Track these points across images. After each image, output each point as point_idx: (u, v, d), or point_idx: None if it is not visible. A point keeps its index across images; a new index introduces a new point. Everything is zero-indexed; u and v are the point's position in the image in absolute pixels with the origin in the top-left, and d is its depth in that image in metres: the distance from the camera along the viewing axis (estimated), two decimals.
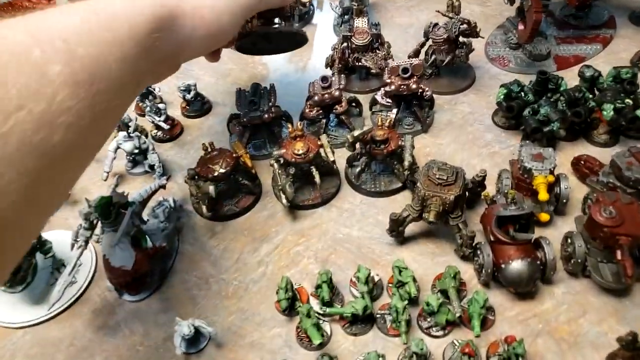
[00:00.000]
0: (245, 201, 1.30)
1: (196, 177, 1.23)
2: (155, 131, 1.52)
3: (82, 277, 1.17)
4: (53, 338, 1.08)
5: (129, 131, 1.35)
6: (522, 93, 1.39)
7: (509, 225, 1.08)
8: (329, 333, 1.03)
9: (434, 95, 1.47)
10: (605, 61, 1.60)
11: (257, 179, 1.33)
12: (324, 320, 1.05)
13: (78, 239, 1.08)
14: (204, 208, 1.23)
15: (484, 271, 1.05)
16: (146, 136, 1.45)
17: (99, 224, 1.10)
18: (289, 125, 1.28)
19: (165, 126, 1.48)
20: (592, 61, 1.61)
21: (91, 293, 1.16)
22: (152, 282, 1.13)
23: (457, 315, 1.00)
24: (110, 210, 1.04)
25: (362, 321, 1.04)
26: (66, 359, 1.05)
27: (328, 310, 1.03)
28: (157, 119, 1.48)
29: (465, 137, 1.43)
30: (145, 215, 1.21)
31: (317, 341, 0.96)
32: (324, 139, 1.28)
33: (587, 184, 1.25)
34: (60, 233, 1.25)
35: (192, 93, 1.55)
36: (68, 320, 1.11)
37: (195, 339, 1.03)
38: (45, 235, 1.20)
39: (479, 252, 1.08)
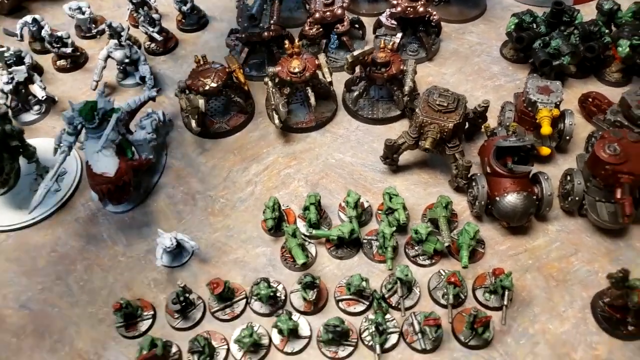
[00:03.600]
0: (236, 120, 1.17)
1: (186, 90, 1.10)
2: (149, 43, 1.36)
3: (66, 186, 1.07)
4: (35, 243, 1.00)
5: (121, 39, 1.20)
6: (534, 24, 1.22)
7: (508, 158, 0.96)
8: (314, 255, 0.95)
9: (442, 23, 1.31)
10: None
11: (250, 98, 1.20)
12: (309, 242, 0.96)
13: (61, 144, 0.97)
14: (193, 123, 1.11)
15: (477, 203, 0.95)
16: (139, 47, 1.30)
17: (84, 131, 0.98)
18: (286, 42, 1.13)
19: (159, 37, 1.32)
20: None
21: (75, 202, 1.06)
22: (137, 195, 1.03)
23: (446, 244, 0.90)
24: (94, 115, 0.92)
25: (348, 245, 0.95)
26: (47, 264, 0.97)
27: (314, 232, 0.94)
28: (151, 29, 1.31)
29: (471, 68, 1.27)
30: (133, 127, 1.09)
31: (300, 261, 0.87)
32: (322, 58, 1.13)
33: (593, 122, 1.12)
34: (45, 140, 1.14)
35: (189, 5, 1.38)
36: (51, 227, 1.02)
37: (177, 253, 0.95)
38: (30, 141, 1.08)
39: (474, 183, 0.97)
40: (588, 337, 0.83)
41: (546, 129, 0.98)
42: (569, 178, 0.97)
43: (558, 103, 1.02)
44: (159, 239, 0.92)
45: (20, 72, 1.17)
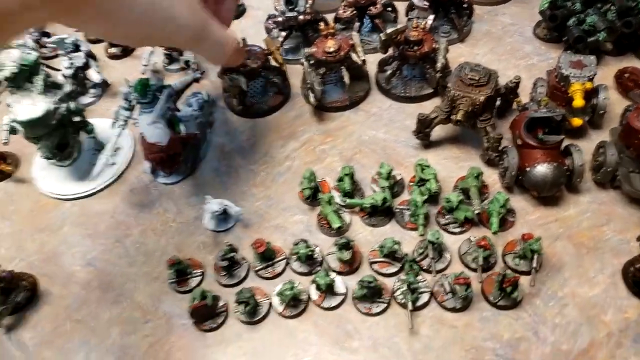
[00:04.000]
0: (274, 100, 1.24)
1: (228, 71, 1.17)
2: None
3: (120, 160, 1.17)
4: (96, 210, 1.10)
5: None
6: (569, 2, 1.22)
7: (539, 129, 0.98)
8: (348, 222, 1.00)
9: (474, 6, 1.33)
10: None
11: (286, 80, 1.26)
12: (344, 211, 1.02)
13: (118, 118, 1.07)
14: (234, 102, 1.18)
15: (507, 174, 0.98)
16: None
17: (138, 107, 1.08)
18: (322, 24, 1.18)
19: None
20: None
21: (129, 175, 1.16)
22: (185, 168, 1.12)
23: (477, 212, 0.94)
24: (147, 91, 1.01)
25: (381, 213, 1.00)
26: (107, 229, 1.07)
27: (348, 201, 1.00)
28: None
29: (503, 49, 1.29)
30: (180, 105, 1.17)
31: (336, 225, 0.93)
32: (356, 38, 1.18)
33: (629, 97, 1.12)
34: (101, 120, 1.24)
35: None
36: (109, 197, 1.12)
37: (223, 219, 1.03)
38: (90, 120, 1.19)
39: (505, 155, 1.00)
40: (618, 301, 0.85)
41: (578, 102, 0.99)
42: (601, 150, 0.98)
43: (591, 77, 1.02)
44: (206, 205, 0.99)
45: (79, 58, 1.28)
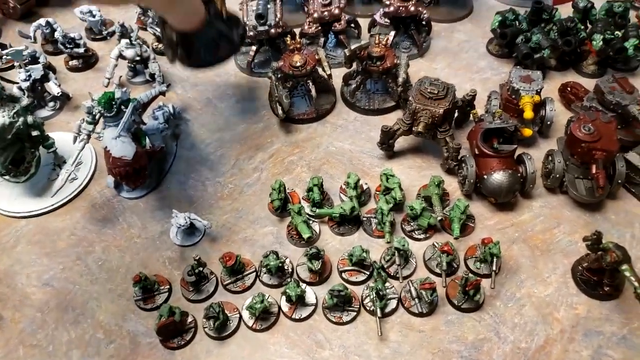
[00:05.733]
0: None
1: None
2: (156, 44, 1.43)
3: (82, 175, 1.12)
4: (55, 228, 1.05)
5: (131, 38, 1.27)
6: (517, 22, 1.31)
7: (494, 139, 1.04)
8: (317, 232, 1.01)
9: (432, 23, 1.39)
10: None
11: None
12: (313, 221, 1.03)
13: (81, 132, 1.03)
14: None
15: (467, 182, 1.02)
16: (148, 47, 1.37)
17: (101, 121, 1.05)
18: (288, 39, 1.20)
19: None
20: None
21: (91, 190, 1.12)
22: (150, 181, 1.09)
23: (439, 218, 0.97)
24: (112, 104, 0.98)
25: (349, 222, 1.01)
26: (67, 247, 1.02)
27: (318, 211, 1.01)
28: (159, 30, 1.38)
29: (459, 63, 1.36)
30: (145, 119, 1.15)
31: (306, 235, 0.94)
32: (321, 52, 1.20)
33: (572, 109, 1.20)
34: (61, 134, 1.20)
35: None
36: (69, 212, 1.08)
37: (190, 233, 1.01)
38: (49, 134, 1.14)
39: (463, 164, 1.04)
40: (569, 299, 0.90)
41: (528, 114, 1.06)
42: (550, 158, 1.05)
43: (539, 90, 1.10)
44: (173, 219, 0.98)
45: (37, 70, 1.23)
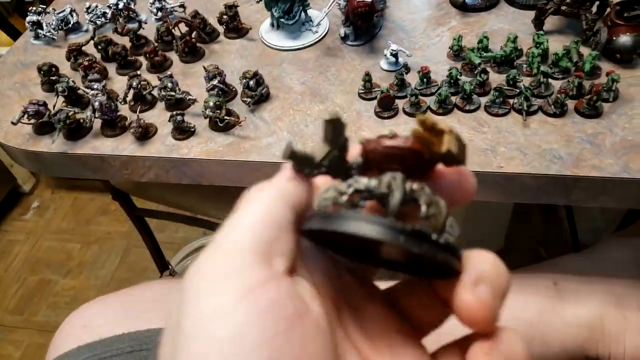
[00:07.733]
0: None
1: None
2: None
3: (321, 30, 1.71)
4: (304, 57, 1.64)
5: None
6: None
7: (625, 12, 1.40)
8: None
9: None
10: None
11: None
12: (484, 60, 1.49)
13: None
14: None
15: (598, 45, 1.40)
16: None
17: None
18: None
19: None
20: None
21: (326, 40, 1.70)
22: (365, 37, 1.64)
23: (575, 60, 1.38)
24: None
25: (506, 64, 1.46)
26: (313, 67, 1.60)
27: (485, 54, 1.46)
28: None
29: None
30: None
31: (477, 61, 1.40)
32: None
33: None
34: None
35: None
36: (312, 51, 1.66)
37: (394, 63, 1.53)
38: None
39: (597, 33, 1.42)
40: None
41: None
42: None
43: None
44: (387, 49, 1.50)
45: None
